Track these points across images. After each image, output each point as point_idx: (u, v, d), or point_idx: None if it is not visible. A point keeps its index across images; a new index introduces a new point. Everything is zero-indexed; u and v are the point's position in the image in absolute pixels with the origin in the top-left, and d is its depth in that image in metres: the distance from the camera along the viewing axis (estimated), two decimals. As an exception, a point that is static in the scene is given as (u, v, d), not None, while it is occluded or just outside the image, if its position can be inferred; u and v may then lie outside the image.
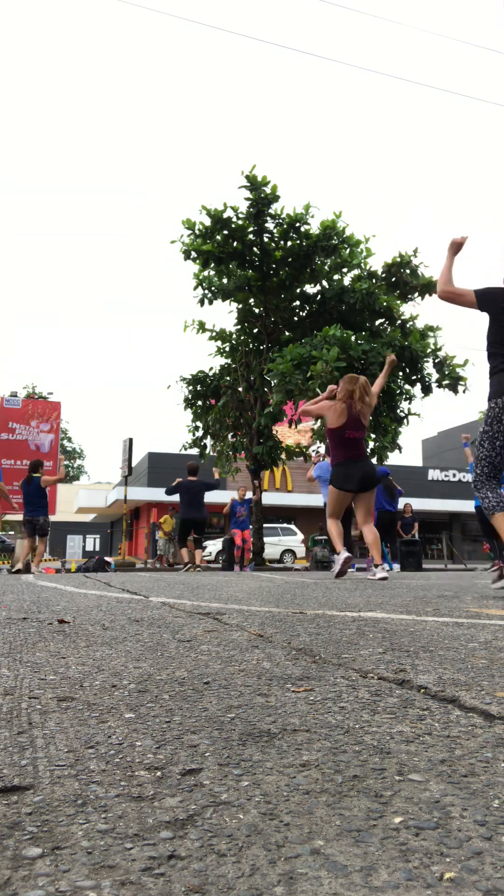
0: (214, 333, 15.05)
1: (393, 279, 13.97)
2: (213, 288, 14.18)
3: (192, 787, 0.74)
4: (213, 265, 13.67)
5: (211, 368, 15.29)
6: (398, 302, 13.70)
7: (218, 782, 0.75)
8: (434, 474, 33.57)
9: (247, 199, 13.03)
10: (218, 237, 13.33)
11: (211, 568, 13.24)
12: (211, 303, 14.30)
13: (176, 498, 10.49)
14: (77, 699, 1.14)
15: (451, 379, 13.10)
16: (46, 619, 2.36)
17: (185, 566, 10.18)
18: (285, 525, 26.24)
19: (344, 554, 5.33)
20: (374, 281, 13.75)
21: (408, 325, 13.67)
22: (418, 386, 13.62)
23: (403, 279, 13.88)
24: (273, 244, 13.52)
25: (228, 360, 15.13)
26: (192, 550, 10.41)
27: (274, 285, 14.09)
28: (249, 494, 12.33)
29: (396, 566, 11.73)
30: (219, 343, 15.23)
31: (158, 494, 26.05)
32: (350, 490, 5.37)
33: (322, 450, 14.23)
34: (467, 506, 26.74)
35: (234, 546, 12.06)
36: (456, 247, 3.68)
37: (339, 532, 5.45)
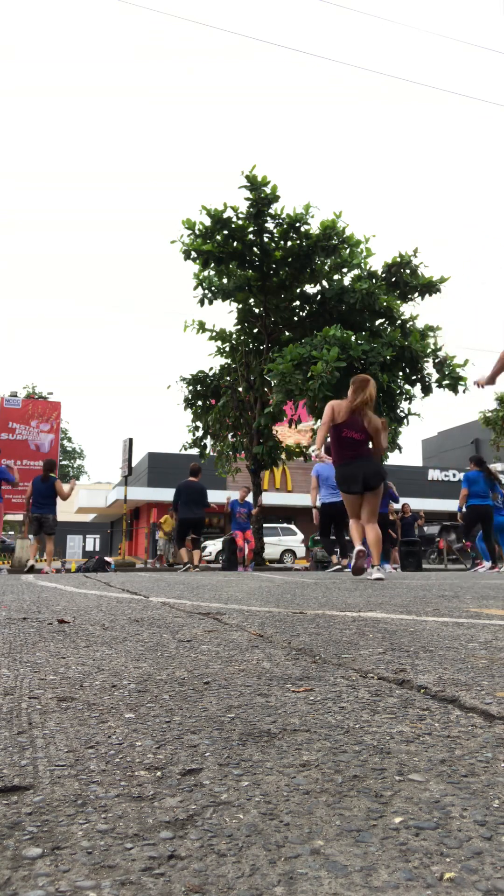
0: (214, 333, 15.05)
1: (393, 279, 13.98)
2: (213, 288, 14.17)
3: (192, 787, 0.74)
4: (213, 265, 13.66)
5: (211, 368, 15.29)
6: (398, 302, 13.69)
7: (218, 782, 0.75)
8: (434, 474, 33.56)
9: (247, 199, 13.03)
10: (218, 237, 13.32)
11: (211, 568, 13.23)
12: (211, 303, 14.29)
13: None
14: (77, 699, 1.14)
15: (451, 379, 13.10)
16: (46, 619, 2.36)
17: (185, 566, 10.18)
18: (285, 525, 26.23)
19: (358, 546, 5.28)
20: (374, 281, 13.74)
21: (408, 325, 13.66)
22: (418, 386, 13.63)
23: (403, 279, 13.88)
24: (273, 244, 13.51)
25: (228, 360, 15.13)
26: (190, 550, 10.42)
27: (274, 285, 14.09)
28: (249, 498, 12.29)
29: (388, 566, 11.83)
30: (219, 343, 15.23)
31: (158, 494, 26.07)
32: (356, 492, 5.31)
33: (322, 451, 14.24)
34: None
35: (235, 546, 12.05)
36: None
37: (360, 531, 5.38)
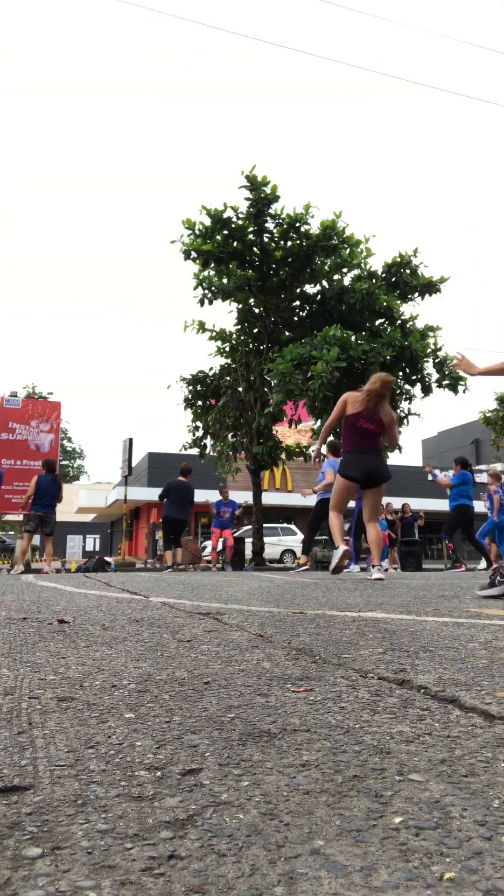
0: (214, 333, 15.05)
1: (393, 279, 13.97)
2: (213, 288, 14.17)
3: (192, 787, 0.74)
4: (213, 265, 13.66)
5: (211, 368, 15.28)
6: (398, 302, 13.69)
7: (218, 782, 0.75)
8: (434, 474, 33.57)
9: (247, 199, 13.03)
10: (218, 237, 13.32)
11: (210, 568, 13.23)
12: (211, 303, 14.29)
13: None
14: (77, 699, 1.14)
15: (451, 379, 13.10)
16: (46, 619, 2.36)
17: (173, 567, 10.25)
18: (285, 525, 26.24)
19: (343, 547, 5.13)
20: (374, 281, 13.74)
21: (408, 325, 13.66)
22: (418, 386, 13.63)
23: (403, 279, 13.88)
24: (273, 244, 13.51)
25: (228, 360, 15.12)
26: (184, 551, 10.55)
27: (274, 285, 14.09)
28: (236, 500, 12.46)
29: (386, 564, 11.89)
30: (219, 343, 15.23)
31: (158, 494, 26.07)
32: (354, 479, 5.17)
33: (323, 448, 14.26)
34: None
35: (234, 546, 12.13)
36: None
37: (341, 526, 5.25)
